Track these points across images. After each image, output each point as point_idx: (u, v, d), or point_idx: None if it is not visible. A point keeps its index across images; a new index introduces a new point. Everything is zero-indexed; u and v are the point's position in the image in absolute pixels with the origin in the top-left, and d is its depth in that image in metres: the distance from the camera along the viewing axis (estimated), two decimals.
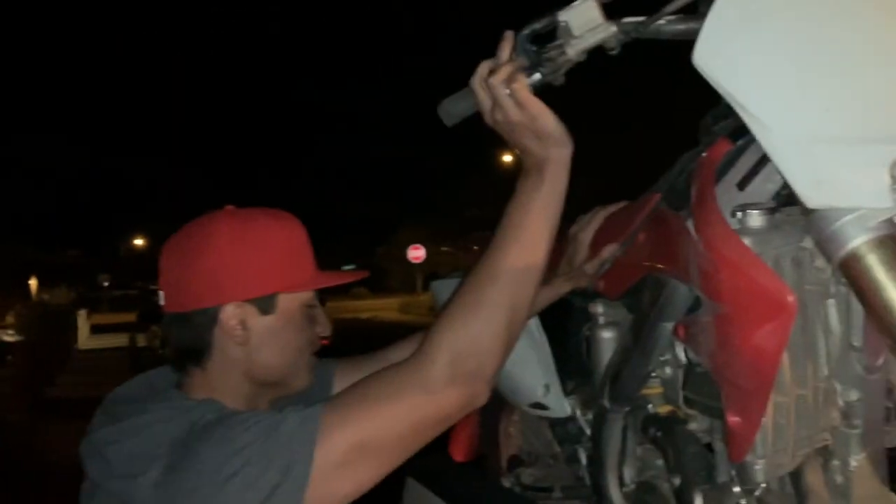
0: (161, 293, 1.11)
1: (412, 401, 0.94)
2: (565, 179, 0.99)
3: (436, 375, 0.94)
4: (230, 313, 1.07)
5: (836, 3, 0.77)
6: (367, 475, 0.94)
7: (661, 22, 0.91)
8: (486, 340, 0.96)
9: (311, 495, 0.90)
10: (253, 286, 1.08)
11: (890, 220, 0.73)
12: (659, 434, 1.12)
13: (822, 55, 0.75)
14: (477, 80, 0.98)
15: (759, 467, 0.90)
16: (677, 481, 1.03)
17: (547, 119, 0.96)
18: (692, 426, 1.10)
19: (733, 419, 0.87)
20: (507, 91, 0.95)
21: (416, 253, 28.94)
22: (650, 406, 1.19)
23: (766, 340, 0.78)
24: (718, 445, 1.05)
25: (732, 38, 0.80)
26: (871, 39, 0.74)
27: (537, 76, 0.94)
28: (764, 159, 0.90)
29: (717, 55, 0.81)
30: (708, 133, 1.03)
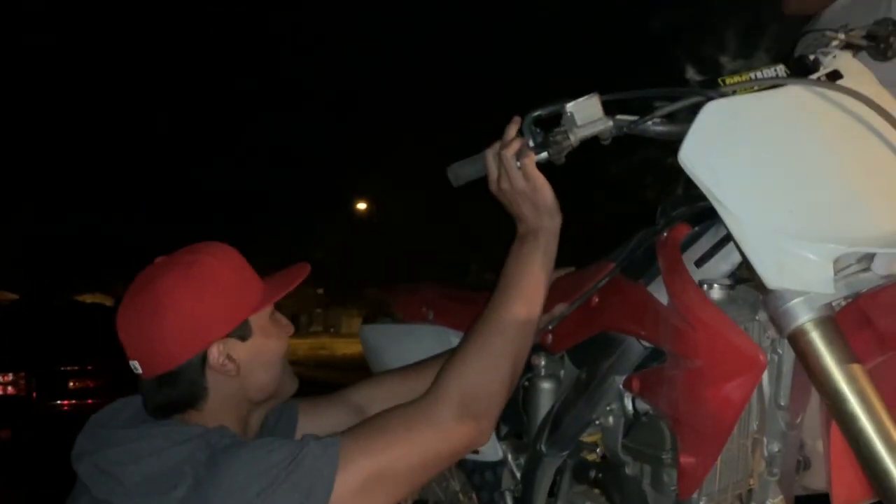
0: (134, 363, 1.14)
1: (426, 437, 1.06)
2: (556, 245, 1.17)
3: (447, 416, 1.07)
4: (216, 353, 1.12)
5: (799, 126, 0.97)
6: (381, 502, 1.03)
7: (649, 123, 1.08)
8: (493, 385, 1.10)
9: None
10: (227, 320, 1.15)
11: (830, 304, 0.92)
12: (600, 476, 1.26)
13: (788, 167, 0.95)
14: (490, 152, 1.12)
15: None
16: None
17: (547, 193, 1.14)
18: (627, 471, 1.25)
19: (687, 460, 1.02)
20: (517, 164, 1.09)
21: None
22: (587, 452, 1.32)
23: (735, 391, 0.94)
24: (647, 489, 1.20)
25: (713, 145, 0.98)
26: (827, 161, 0.94)
27: (544, 155, 1.09)
28: (720, 243, 1.09)
29: (699, 157, 0.98)
30: (667, 216, 1.21)
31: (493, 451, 1.55)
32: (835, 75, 1.01)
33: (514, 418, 1.54)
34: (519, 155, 1.10)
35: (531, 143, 1.10)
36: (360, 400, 1.46)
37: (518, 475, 1.52)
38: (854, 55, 1.08)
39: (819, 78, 1.01)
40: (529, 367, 1.48)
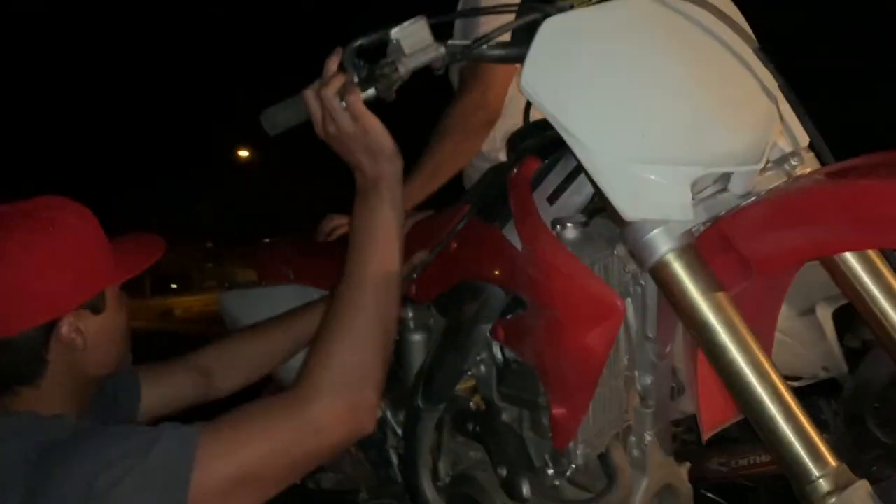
0: None
1: (294, 436, 0.93)
2: (400, 192, 1.02)
3: (319, 411, 0.93)
4: (68, 324, 1.02)
5: (644, 40, 0.88)
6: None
7: (485, 47, 0.97)
8: (363, 368, 0.97)
9: None
10: (83, 290, 1.04)
11: (690, 231, 0.86)
12: (478, 428, 1.20)
13: (635, 87, 0.86)
14: (310, 91, 0.97)
15: (579, 451, 1.00)
16: (503, 471, 1.11)
17: (380, 133, 0.99)
18: (504, 418, 1.20)
19: (559, 411, 0.96)
20: (342, 103, 0.95)
21: None
22: (464, 403, 1.26)
23: (596, 340, 0.88)
24: (528, 433, 1.15)
25: (555, 68, 0.89)
26: (675, 76, 0.87)
27: (371, 91, 0.95)
28: (572, 175, 1.01)
29: (541, 82, 0.89)
30: (515, 150, 1.12)
31: None
32: None
33: (389, 375, 1.45)
34: (342, 93, 0.95)
35: (356, 79, 0.96)
36: (206, 362, 1.37)
37: (399, 432, 1.45)
38: None
39: None
40: (398, 321, 1.40)
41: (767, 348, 0.87)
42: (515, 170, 1.06)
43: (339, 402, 0.94)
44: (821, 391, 1.65)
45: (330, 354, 0.97)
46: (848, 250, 0.85)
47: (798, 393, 1.30)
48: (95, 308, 1.06)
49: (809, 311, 1.23)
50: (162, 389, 1.32)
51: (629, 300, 1.02)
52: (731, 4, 0.94)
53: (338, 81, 0.96)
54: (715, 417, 0.95)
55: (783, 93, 0.89)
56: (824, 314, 1.25)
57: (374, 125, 0.98)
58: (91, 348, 1.05)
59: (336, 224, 1.78)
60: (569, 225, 0.96)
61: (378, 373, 0.99)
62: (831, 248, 0.82)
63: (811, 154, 0.91)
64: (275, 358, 1.45)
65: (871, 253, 0.86)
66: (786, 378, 1.24)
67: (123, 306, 1.13)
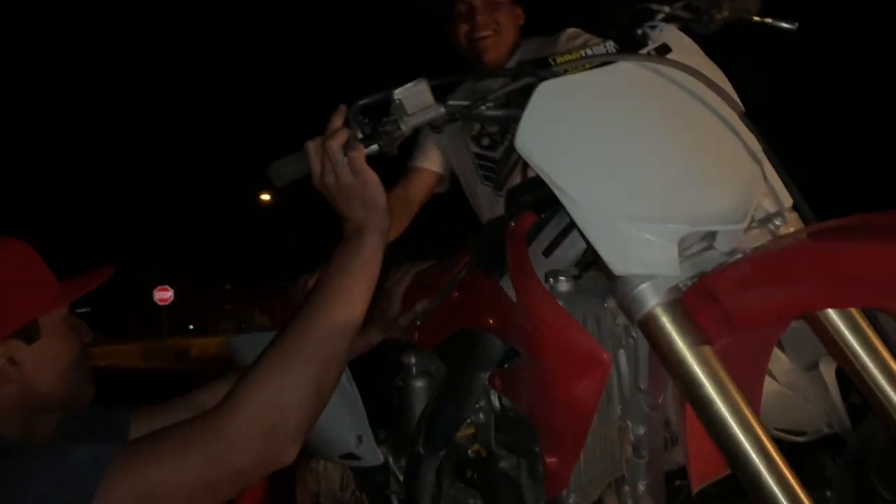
0: None
1: (206, 454, 0.90)
2: (382, 247, 1.04)
3: (233, 431, 0.91)
4: None
5: (633, 103, 0.93)
6: None
7: (483, 108, 1.02)
8: (289, 395, 0.94)
9: None
10: (10, 319, 1.05)
11: (677, 286, 0.89)
12: (476, 475, 1.22)
13: (625, 148, 0.91)
14: (312, 145, 1.01)
15: (571, 500, 1.02)
16: None
17: (377, 188, 1.02)
18: (503, 465, 1.21)
19: (551, 459, 0.98)
20: (344, 157, 1.00)
21: (164, 294, 26.69)
22: (463, 450, 1.28)
23: (585, 392, 0.90)
24: (526, 481, 1.17)
25: (548, 129, 0.94)
26: (663, 139, 0.91)
27: (374, 147, 1.00)
28: (566, 230, 1.05)
29: (535, 142, 0.94)
30: (513, 204, 1.16)
31: (373, 455, 1.50)
32: (663, 49, 0.98)
33: (391, 421, 1.48)
34: (346, 147, 1.00)
35: (359, 135, 1.01)
36: (205, 400, 1.36)
37: (401, 478, 1.47)
38: (678, 28, 1.05)
39: (649, 52, 0.98)
40: (402, 367, 1.43)
41: (754, 403, 0.89)
42: (513, 223, 1.11)
43: (255, 427, 0.92)
44: (825, 447, 1.65)
45: (261, 372, 0.95)
46: (828, 307, 0.87)
47: (802, 448, 1.31)
48: (27, 337, 1.06)
49: (813, 367, 1.25)
50: (155, 425, 1.32)
51: (621, 352, 1.05)
52: (718, 70, 0.99)
53: (342, 136, 1.00)
54: (705, 470, 0.97)
55: (767, 156, 0.93)
56: (827, 370, 1.27)
57: (373, 179, 1.01)
58: (30, 379, 1.05)
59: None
60: (561, 278, 0.99)
61: (306, 404, 0.95)
62: (811, 305, 0.85)
63: (795, 215, 0.94)
64: None
65: (854, 311, 0.89)
66: (789, 433, 1.26)
67: (70, 336, 1.13)
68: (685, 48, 0.99)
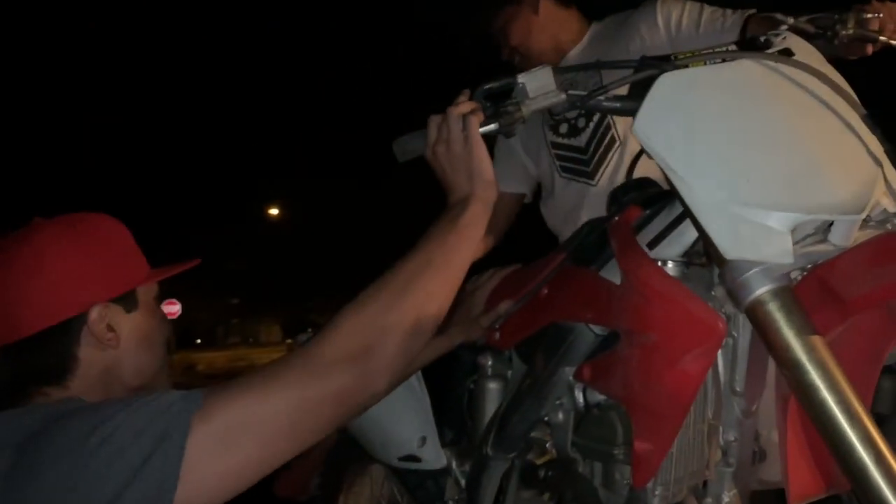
0: None
1: (298, 376, 0.91)
2: (485, 219, 1.07)
3: (326, 351, 0.92)
4: (97, 317, 1.02)
5: (753, 97, 0.95)
6: (249, 457, 0.87)
7: (601, 98, 1.05)
8: (388, 320, 0.95)
9: (186, 473, 0.82)
10: (114, 283, 1.05)
11: (788, 275, 0.89)
12: (550, 475, 1.19)
13: (743, 137, 0.92)
14: (437, 116, 1.06)
15: (657, 494, 1.00)
16: None
17: (485, 161, 1.06)
18: (577, 469, 1.19)
19: (642, 446, 0.96)
20: (461, 125, 1.03)
21: (171, 308, 25.89)
22: (536, 453, 1.26)
23: (692, 364, 0.89)
24: (600, 488, 1.14)
25: (667, 116, 0.96)
26: (781, 129, 0.92)
27: (494, 125, 1.04)
28: (672, 224, 1.06)
29: (654, 128, 0.96)
30: (617, 203, 1.18)
31: (436, 457, 1.48)
32: (786, 52, 1.01)
33: (458, 423, 1.47)
34: (465, 119, 1.04)
35: (482, 116, 1.05)
36: None
37: (463, 483, 1.45)
38: None
39: (773, 54, 1.00)
40: (475, 368, 1.43)
41: (866, 397, 0.87)
42: (617, 218, 1.12)
43: (353, 344, 0.92)
44: None
45: (360, 301, 0.96)
46: None
47: None
48: (128, 306, 1.06)
49: None
50: None
51: (720, 351, 1.03)
52: (840, 76, 1.01)
53: (466, 107, 1.05)
54: (803, 487, 0.93)
55: (889, 157, 0.93)
56: None
57: (482, 152, 1.05)
58: (124, 349, 1.04)
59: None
60: (669, 263, 1.00)
61: (399, 335, 0.95)
62: None
63: None
64: None
65: None
66: None
67: (161, 318, 1.14)
68: (808, 53, 1.01)
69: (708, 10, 1.75)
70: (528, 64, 1.90)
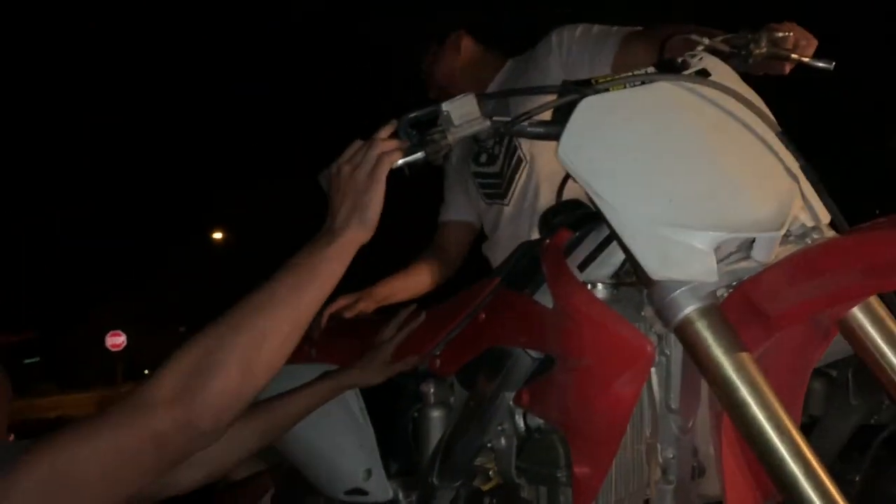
0: None
1: (116, 421, 0.85)
2: (348, 258, 1.00)
3: (148, 392, 0.87)
4: None
5: (673, 118, 0.97)
6: None
7: (525, 123, 1.05)
8: (211, 360, 0.89)
9: None
10: None
11: (714, 293, 0.90)
12: (494, 502, 1.18)
13: (664, 158, 0.94)
14: (360, 142, 1.04)
15: None
16: None
17: (376, 202, 1.00)
18: (522, 495, 1.18)
19: (581, 470, 0.96)
20: (374, 160, 1.00)
21: (116, 340, 24.82)
22: (481, 480, 1.25)
23: (625, 388, 0.90)
24: None
25: (590, 140, 0.97)
26: (701, 150, 0.94)
27: (420, 154, 1.03)
28: (601, 246, 1.07)
29: (577, 153, 0.96)
30: (548, 225, 1.18)
31: (382, 490, 1.46)
32: (703, 73, 1.02)
33: (403, 453, 1.45)
34: (386, 152, 1.01)
35: (407, 144, 1.04)
36: None
37: None
38: None
39: (690, 75, 1.02)
40: (419, 397, 1.41)
41: (794, 411, 0.88)
42: (548, 241, 1.12)
43: (171, 385, 0.87)
44: None
45: (184, 348, 0.90)
46: (869, 295, 0.87)
47: None
48: None
49: None
50: None
51: (653, 369, 1.04)
52: (755, 95, 1.03)
53: (391, 144, 1.02)
54: (741, 500, 0.94)
55: (805, 173, 0.95)
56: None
57: (378, 195, 1.00)
58: None
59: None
60: (599, 285, 1.00)
61: (222, 381, 0.88)
62: (851, 295, 0.85)
63: (832, 233, 0.96)
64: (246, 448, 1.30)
65: (885, 315, 0.89)
66: None
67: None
68: (724, 73, 1.03)
69: (595, 29, 1.81)
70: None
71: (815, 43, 1.25)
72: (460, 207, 2.17)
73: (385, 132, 1.06)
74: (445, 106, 1.03)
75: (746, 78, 1.08)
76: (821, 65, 1.16)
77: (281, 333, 0.94)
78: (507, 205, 1.97)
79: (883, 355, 0.86)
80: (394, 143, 1.04)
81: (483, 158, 2.02)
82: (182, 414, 0.86)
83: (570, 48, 1.81)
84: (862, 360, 0.89)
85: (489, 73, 2.03)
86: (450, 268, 2.16)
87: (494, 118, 1.06)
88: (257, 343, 0.92)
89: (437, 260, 2.14)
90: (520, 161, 1.93)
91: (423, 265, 2.12)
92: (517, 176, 1.94)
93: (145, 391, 0.87)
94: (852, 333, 0.88)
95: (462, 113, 1.03)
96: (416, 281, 2.09)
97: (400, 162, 1.03)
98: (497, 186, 2.00)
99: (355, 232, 1.00)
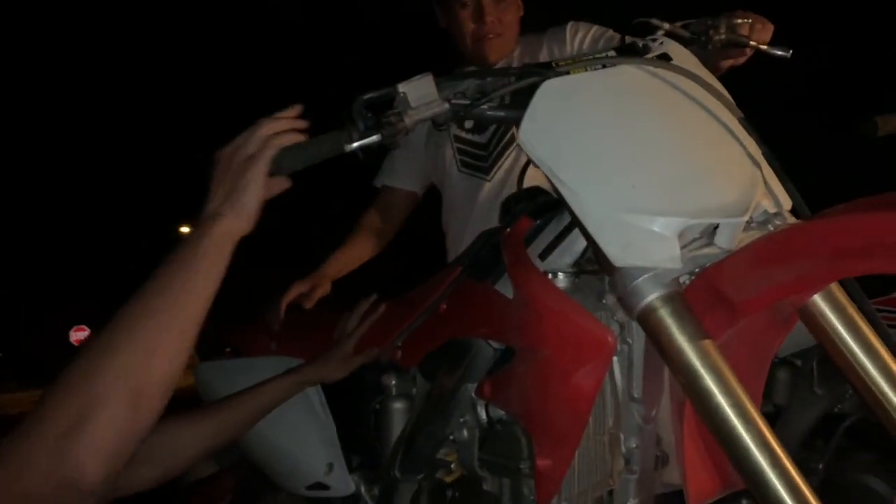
0: None
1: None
2: (227, 249, 0.90)
3: (14, 446, 0.73)
4: None
5: (634, 102, 0.95)
6: None
7: (485, 107, 1.02)
8: (92, 391, 0.76)
9: None
10: None
11: (677, 280, 0.89)
12: (457, 494, 1.16)
13: (626, 143, 0.92)
14: (268, 120, 0.95)
15: None
16: None
17: (253, 193, 0.90)
18: (485, 487, 1.16)
19: (544, 462, 0.95)
20: (270, 144, 0.92)
21: (80, 335, 23.65)
22: (444, 472, 1.23)
23: (586, 379, 0.88)
24: (509, 503, 1.12)
25: (551, 125, 0.94)
26: (664, 135, 0.92)
27: (375, 137, 0.99)
28: (562, 234, 1.05)
29: (538, 137, 0.94)
30: (509, 213, 1.16)
31: (344, 484, 1.43)
32: (664, 57, 1.01)
33: (365, 447, 1.42)
34: (269, 138, 0.91)
35: (362, 128, 1.00)
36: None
37: None
38: None
39: (651, 59, 1.00)
40: (380, 389, 1.38)
41: (756, 398, 0.87)
42: (509, 229, 1.10)
43: (44, 436, 0.73)
44: None
45: (53, 386, 0.78)
46: (831, 282, 0.86)
47: None
48: None
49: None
50: None
51: (615, 358, 1.03)
52: (714, 77, 1.02)
53: (279, 125, 0.93)
54: (702, 488, 0.94)
55: (766, 159, 0.94)
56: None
57: (257, 177, 0.90)
58: None
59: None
60: (560, 275, 0.98)
61: (105, 425, 0.75)
62: (814, 283, 0.84)
63: (794, 219, 0.95)
64: (205, 445, 1.23)
65: (847, 304, 0.88)
66: None
67: None
68: (685, 58, 1.02)
69: (609, 34, 1.81)
70: (484, 59, 1.89)
71: (770, 27, 1.25)
72: (409, 174, 2.10)
73: (289, 112, 0.98)
74: (402, 87, 1.00)
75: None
76: (778, 52, 1.15)
77: (169, 346, 0.82)
78: (489, 181, 1.91)
79: (843, 342, 0.85)
80: (285, 124, 0.94)
81: (470, 124, 1.94)
82: (58, 468, 0.72)
83: (582, 44, 1.80)
84: (823, 347, 0.88)
85: (514, 45, 1.95)
86: (391, 233, 2.12)
87: (453, 101, 1.03)
88: (142, 363, 0.79)
89: (380, 225, 2.09)
90: (512, 140, 1.88)
91: (367, 232, 2.07)
92: (506, 153, 1.89)
93: (10, 452, 0.72)
94: (813, 321, 0.87)
95: (419, 95, 1.00)
96: (361, 249, 2.04)
97: (355, 145, 0.99)
98: (480, 159, 1.93)
99: (230, 221, 0.89)
